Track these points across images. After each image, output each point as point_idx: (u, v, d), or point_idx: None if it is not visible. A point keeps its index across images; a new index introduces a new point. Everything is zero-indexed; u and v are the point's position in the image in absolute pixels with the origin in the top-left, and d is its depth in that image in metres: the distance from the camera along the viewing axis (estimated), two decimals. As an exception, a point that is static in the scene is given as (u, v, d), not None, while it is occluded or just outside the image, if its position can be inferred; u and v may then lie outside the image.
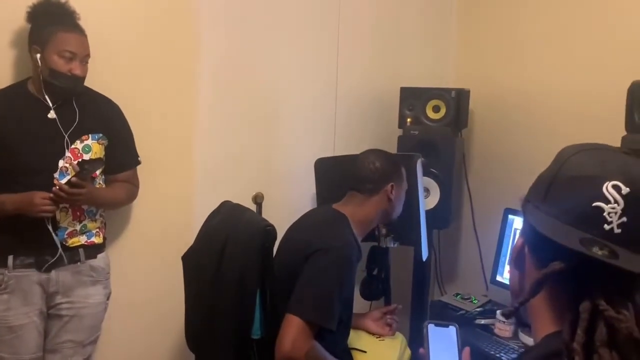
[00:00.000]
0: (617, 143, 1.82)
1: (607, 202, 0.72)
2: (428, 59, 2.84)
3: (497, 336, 2.16)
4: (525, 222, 0.80)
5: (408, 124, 2.51)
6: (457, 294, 2.45)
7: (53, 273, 1.85)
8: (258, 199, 2.43)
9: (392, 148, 2.54)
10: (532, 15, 2.52)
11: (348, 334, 1.95)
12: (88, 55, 1.85)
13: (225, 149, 2.39)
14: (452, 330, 1.14)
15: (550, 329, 0.77)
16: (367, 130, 2.71)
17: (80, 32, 1.83)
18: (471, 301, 2.40)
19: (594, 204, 0.72)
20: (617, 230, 0.71)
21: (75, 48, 1.80)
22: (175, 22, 2.21)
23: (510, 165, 2.54)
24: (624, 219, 0.71)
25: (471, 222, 2.70)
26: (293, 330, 1.60)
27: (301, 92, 2.56)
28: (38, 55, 1.78)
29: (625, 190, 0.72)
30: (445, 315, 2.35)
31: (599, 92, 2.23)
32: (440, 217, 2.47)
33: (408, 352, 2.25)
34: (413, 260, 2.47)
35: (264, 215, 2.39)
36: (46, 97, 1.81)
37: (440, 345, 1.11)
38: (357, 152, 2.48)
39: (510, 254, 0.86)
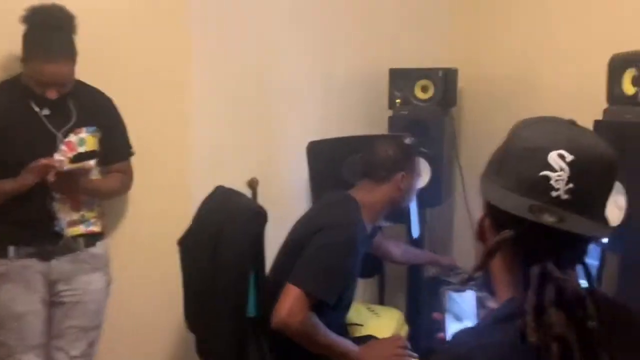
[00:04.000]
0: (599, 116, 1.86)
1: (554, 170, 0.76)
2: (417, 39, 2.85)
3: (489, 308, 2.21)
4: (482, 195, 0.85)
5: (398, 104, 2.54)
6: (451, 269, 2.50)
7: (54, 262, 1.91)
8: (253, 184, 2.48)
9: (383, 129, 2.58)
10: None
11: (347, 313, 2.00)
12: (70, 81, 1.83)
13: (219, 135, 2.43)
14: (470, 294, 1.15)
15: (509, 294, 0.82)
16: (359, 112, 2.74)
17: (64, 58, 1.77)
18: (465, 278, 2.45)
19: (542, 173, 0.76)
20: (565, 196, 0.76)
21: (50, 78, 1.77)
22: (165, 11, 2.24)
23: (499, 141, 2.56)
24: (571, 185, 0.76)
25: (463, 199, 2.74)
26: (291, 298, 1.66)
27: (292, 76, 2.58)
28: (22, 65, 1.80)
29: (569, 157, 0.76)
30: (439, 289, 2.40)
31: (582, 66, 2.26)
32: (432, 195, 2.51)
33: (405, 327, 2.31)
34: (406, 237, 2.52)
35: (260, 199, 2.44)
36: (31, 102, 1.84)
37: (458, 311, 1.13)
38: (349, 134, 2.53)
39: (476, 227, 0.90)
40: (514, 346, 0.72)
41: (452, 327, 1.10)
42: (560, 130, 0.80)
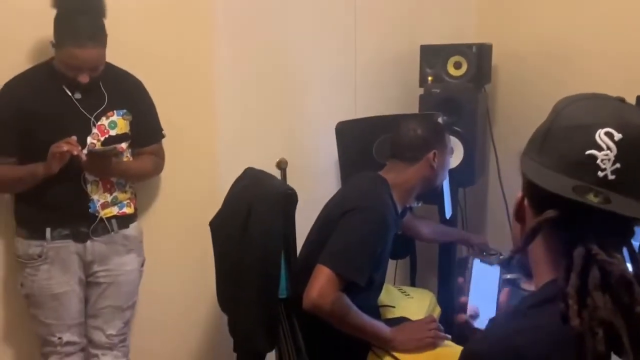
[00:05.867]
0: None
1: (600, 149, 0.73)
2: (448, 14, 2.78)
3: (524, 290, 2.17)
4: (523, 175, 0.82)
5: (429, 82, 2.48)
6: (483, 251, 2.45)
7: (89, 243, 1.95)
8: (282, 165, 2.47)
9: (414, 108, 2.53)
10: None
11: (378, 294, 1.99)
12: (100, 65, 1.84)
13: (247, 117, 2.43)
14: (495, 269, 1.14)
15: (549, 276, 0.79)
16: (388, 90, 2.69)
17: (94, 42, 1.79)
18: (498, 257, 2.40)
19: (588, 152, 0.73)
20: (611, 177, 0.72)
21: (82, 63, 1.79)
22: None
23: (536, 119, 2.43)
24: (618, 165, 0.72)
25: (497, 178, 2.68)
26: (322, 279, 1.65)
27: (320, 55, 2.55)
28: (53, 49, 1.81)
29: (617, 136, 0.73)
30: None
31: (625, 37, 2.16)
32: (465, 174, 2.46)
33: (438, 309, 2.28)
34: (438, 218, 2.49)
35: (288, 180, 2.43)
36: (63, 86, 1.86)
37: (481, 281, 1.12)
38: (379, 113, 2.50)
39: (513, 207, 0.87)
40: (555, 330, 0.70)
41: (474, 295, 1.09)
42: (607, 108, 0.76)
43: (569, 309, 0.67)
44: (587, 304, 0.68)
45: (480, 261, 1.14)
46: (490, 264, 1.14)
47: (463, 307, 1.08)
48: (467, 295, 1.09)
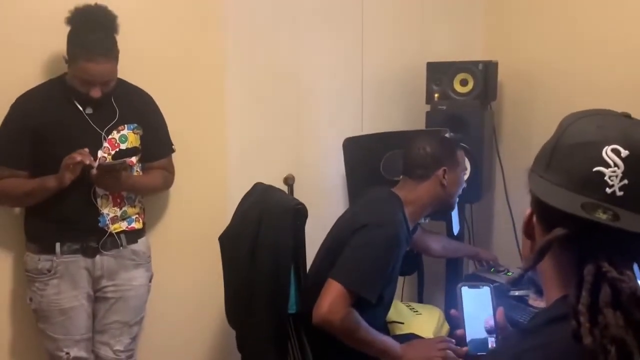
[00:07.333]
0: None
1: (608, 166, 0.73)
2: (455, 32, 2.81)
3: (532, 307, 2.16)
4: (531, 192, 0.82)
5: (436, 99, 2.50)
6: (492, 267, 2.45)
7: (98, 258, 1.96)
8: (289, 181, 2.48)
9: (421, 124, 2.55)
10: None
11: (387, 311, 1.98)
12: (112, 80, 1.87)
13: (256, 132, 2.45)
14: (486, 290, 1.14)
15: (559, 293, 0.79)
16: (395, 107, 2.71)
17: (106, 57, 1.82)
18: (505, 274, 2.40)
19: (595, 169, 0.73)
20: (619, 193, 0.73)
21: (94, 77, 1.82)
22: (202, 12, 2.27)
23: (541, 135, 2.45)
24: (625, 181, 0.73)
25: (504, 194, 2.68)
26: (332, 294, 1.65)
27: (328, 71, 2.58)
28: (66, 64, 1.85)
29: (624, 153, 0.73)
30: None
31: (630, 58, 2.18)
32: (472, 190, 2.45)
33: (446, 326, 2.27)
34: (445, 234, 2.49)
35: (295, 195, 2.44)
36: (75, 101, 1.89)
37: (475, 307, 1.12)
38: (385, 130, 2.51)
39: (522, 224, 0.87)
40: (567, 348, 0.70)
41: (469, 323, 1.09)
42: (613, 124, 0.77)
43: (581, 327, 0.67)
44: (599, 322, 0.68)
45: (469, 287, 1.14)
46: (479, 287, 1.14)
47: (462, 340, 1.08)
48: (463, 327, 1.09)
